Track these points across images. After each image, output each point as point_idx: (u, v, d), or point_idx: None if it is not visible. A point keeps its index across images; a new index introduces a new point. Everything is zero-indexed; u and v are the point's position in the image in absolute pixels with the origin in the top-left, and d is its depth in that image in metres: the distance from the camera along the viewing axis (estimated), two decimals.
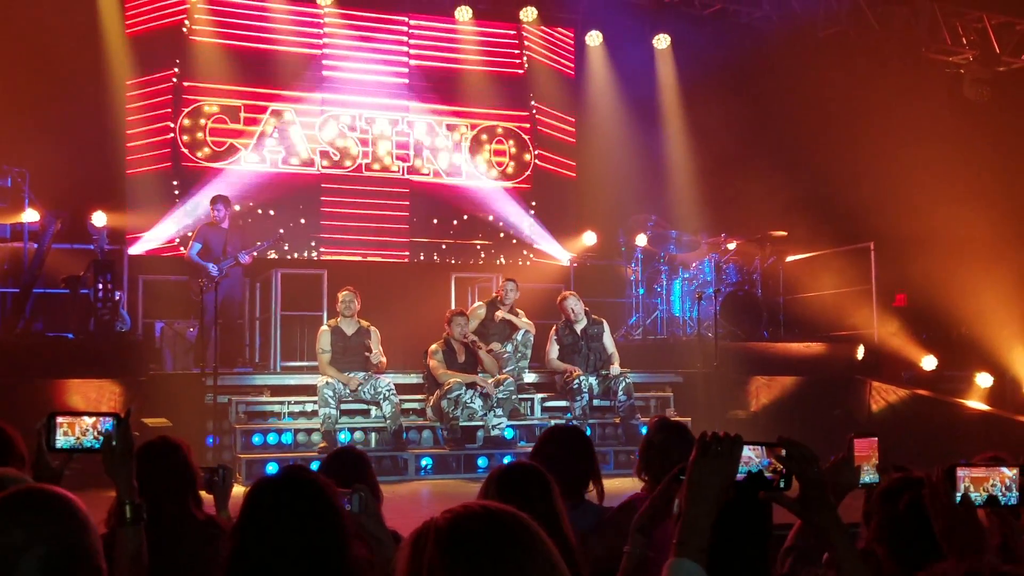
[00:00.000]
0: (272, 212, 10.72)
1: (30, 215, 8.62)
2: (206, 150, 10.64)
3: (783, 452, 1.86)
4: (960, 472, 1.96)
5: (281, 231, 10.02)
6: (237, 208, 9.88)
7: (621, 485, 7.36)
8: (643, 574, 2.40)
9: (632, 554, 2.44)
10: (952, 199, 9.98)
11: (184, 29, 10.55)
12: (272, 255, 10.05)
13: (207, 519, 2.87)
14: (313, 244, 10.87)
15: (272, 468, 7.07)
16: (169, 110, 10.52)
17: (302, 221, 10.87)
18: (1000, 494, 1.97)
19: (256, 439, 7.65)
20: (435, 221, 11.41)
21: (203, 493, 3.01)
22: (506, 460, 6.87)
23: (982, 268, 9.68)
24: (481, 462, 7.78)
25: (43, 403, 7.20)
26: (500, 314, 8.55)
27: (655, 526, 2.42)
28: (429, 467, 7.79)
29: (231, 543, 1.82)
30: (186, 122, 10.60)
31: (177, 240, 10.18)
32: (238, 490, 2.75)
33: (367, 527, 2.19)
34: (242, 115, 10.80)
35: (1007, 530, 2.09)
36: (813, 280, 10.35)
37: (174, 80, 10.53)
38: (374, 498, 2.21)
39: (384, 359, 7.98)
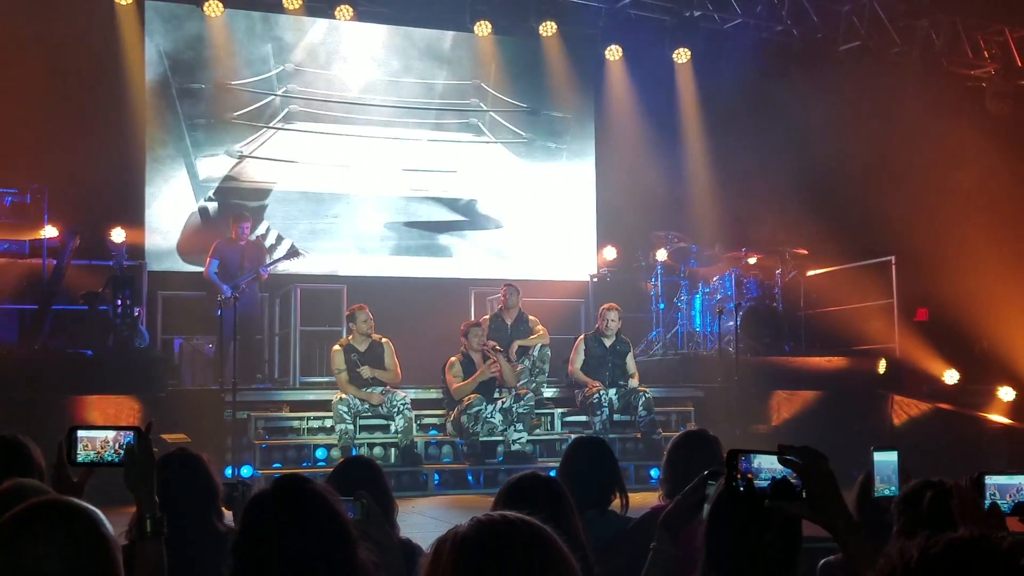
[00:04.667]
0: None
1: (49, 231, 8.68)
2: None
3: (787, 458, 1.83)
4: (988, 480, 1.95)
5: (293, 243, 9.94)
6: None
7: (643, 500, 7.31)
8: (669, 572, 2.36)
9: (658, 551, 2.42)
10: (974, 213, 9.91)
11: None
12: (287, 269, 10.05)
13: (228, 531, 2.84)
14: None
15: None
16: None
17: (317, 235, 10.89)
18: None
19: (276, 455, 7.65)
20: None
21: (224, 509, 2.98)
22: None
23: (1004, 282, 9.59)
24: (502, 477, 7.73)
25: (62, 419, 7.20)
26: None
27: (682, 526, 2.39)
28: (437, 482, 7.76)
29: (232, 559, 1.79)
30: None
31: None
32: None
33: (371, 533, 2.15)
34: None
35: None
36: (834, 294, 10.27)
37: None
38: (379, 506, 2.18)
39: (393, 372, 7.92)
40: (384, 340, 8.03)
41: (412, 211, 11.28)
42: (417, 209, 11.31)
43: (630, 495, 3.37)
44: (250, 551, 1.80)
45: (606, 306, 8.69)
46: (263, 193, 10.76)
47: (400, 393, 7.87)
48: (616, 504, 3.27)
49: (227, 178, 10.65)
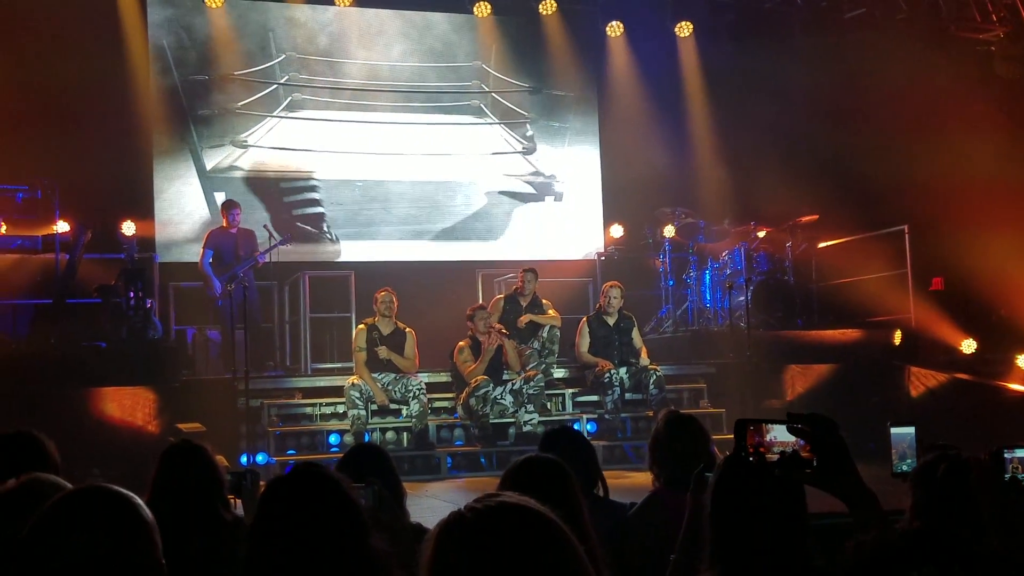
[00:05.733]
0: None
1: (61, 226, 8.74)
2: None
3: (797, 426, 1.80)
4: (1008, 454, 1.92)
5: (289, 235, 9.77)
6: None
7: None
8: None
9: (679, 561, 2.41)
10: (986, 179, 9.77)
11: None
12: (291, 256, 10.00)
13: (235, 520, 2.85)
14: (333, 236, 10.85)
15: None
16: None
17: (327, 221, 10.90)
18: None
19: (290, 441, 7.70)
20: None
21: (231, 498, 3.00)
22: None
23: (1020, 248, 9.47)
24: (514, 459, 7.73)
25: (79, 411, 7.29)
26: (523, 320, 8.48)
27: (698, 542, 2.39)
28: (450, 465, 7.79)
29: (247, 545, 1.81)
30: None
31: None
32: None
33: (382, 519, 2.16)
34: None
35: None
36: (846, 266, 10.18)
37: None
38: (389, 492, 2.19)
39: (411, 362, 7.95)
40: (408, 330, 8.06)
41: (417, 195, 11.26)
42: (423, 193, 11.29)
43: (644, 473, 3.37)
44: (265, 538, 1.82)
45: (608, 284, 8.67)
46: (270, 182, 10.77)
47: (416, 378, 7.89)
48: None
49: (233, 168, 10.67)
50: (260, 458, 7.45)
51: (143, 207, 10.03)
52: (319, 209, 10.91)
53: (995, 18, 11.54)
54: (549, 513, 1.41)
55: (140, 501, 1.73)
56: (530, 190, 11.58)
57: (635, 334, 8.57)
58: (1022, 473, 1.93)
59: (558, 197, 11.64)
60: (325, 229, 10.86)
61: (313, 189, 10.93)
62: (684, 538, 2.44)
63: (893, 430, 2.50)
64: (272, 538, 1.80)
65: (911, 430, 2.52)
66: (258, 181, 10.73)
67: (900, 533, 1.23)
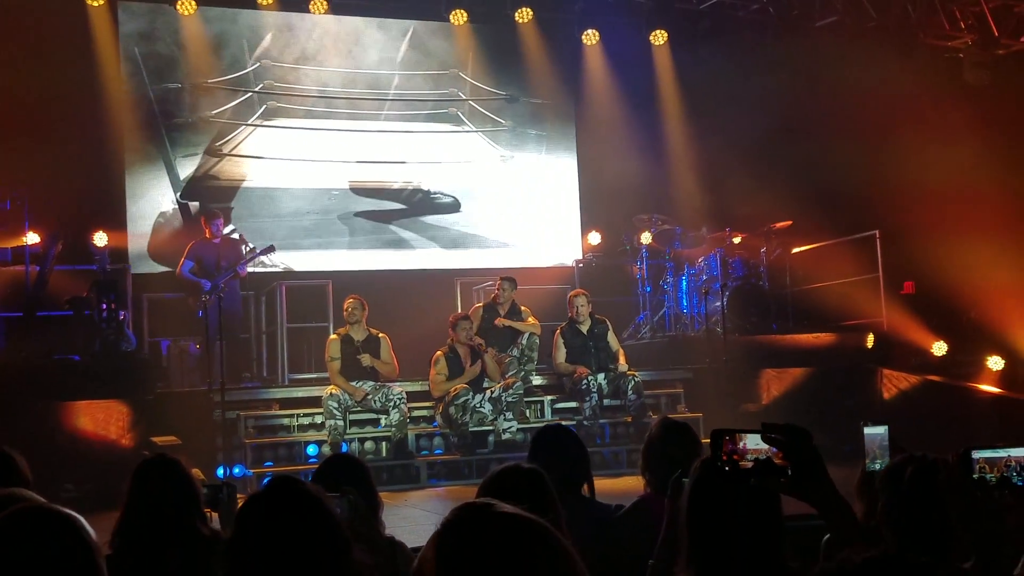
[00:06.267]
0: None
1: (31, 238, 8.62)
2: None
3: (771, 436, 1.83)
4: (976, 454, 1.95)
5: (272, 244, 9.71)
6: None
7: (636, 484, 7.32)
8: None
9: (656, 567, 2.42)
10: (956, 184, 9.91)
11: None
12: (273, 266, 9.98)
13: (212, 535, 2.83)
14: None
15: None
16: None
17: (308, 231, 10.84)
18: (1015, 475, 1.96)
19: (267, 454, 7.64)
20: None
21: (208, 511, 2.97)
22: None
23: (989, 252, 9.60)
24: (494, 467, 7.72)
25: (52, 426, 7.19)
26: (501, 321, 8.50)
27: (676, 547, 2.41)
28: (429, 474, 7.76)
29: (226, 561, 1.79)
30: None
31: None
32: None
33: (359, 530, 2.16)
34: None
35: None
36: (820, 271, 10.29)
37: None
38: (365, 502, 2.18)
39: (391, 366, 7.94)
40: (381, 335, 8.04)
41: (394, 203, 11.24)
42: (399, 201, 11.27)
43: (622, 479, 3.39)
44: (244, 555, 1.80)
45: (572, 293, 8.71)
46: (244, 191, 10.71)
47: (396, 388, 7.87)
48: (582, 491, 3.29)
49: (207, 177, 10.60)
50: (237, 470, 7.39)
51: (115, 217, 9.92)
52: (294, 218, 10.85)
53: (963, 26, 11.71)
54: (532, 518, 1.40)
55: (84, 523, 1.67)
56: (508, 198, 11.59)
57: (611, 337, 8.60)
58: (990, 473, 1.96)
59: (536, 205, 11.66)
60: (300, 237, 10.80)
61: (288, 198, 10.87)
62: (662, 543, 2.46)
63: (866, 430, 2.53)
64: (252, 554, 1.78)
65: (883, 429, 2.55)
66: (233, 190, 10.66)
67: (863, 560, 1.25)
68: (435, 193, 11.38)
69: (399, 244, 11.21)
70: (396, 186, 11.27)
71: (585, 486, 3.28)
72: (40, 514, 1.66)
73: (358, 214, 11.09)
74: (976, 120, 10.40)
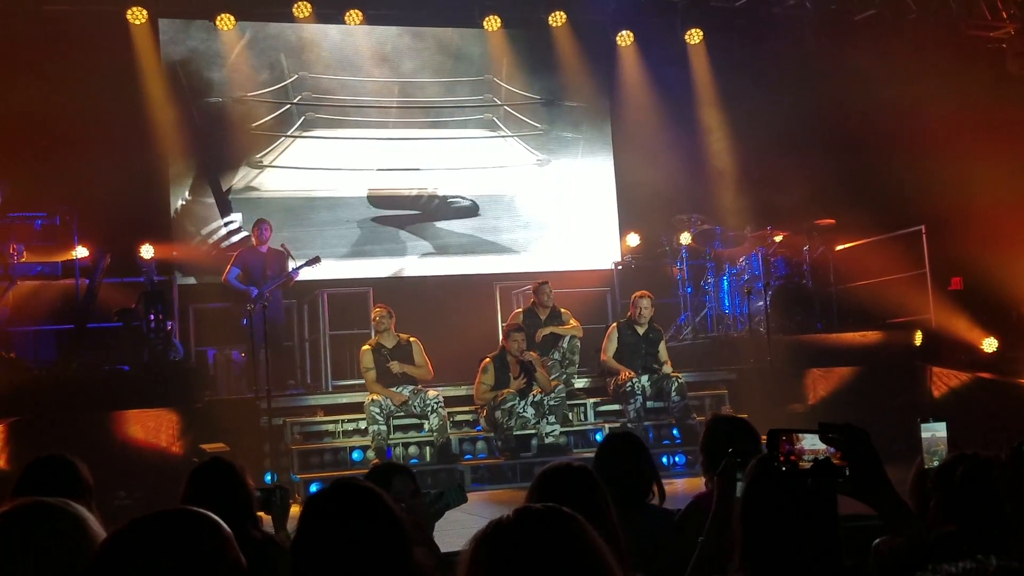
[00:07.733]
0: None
1: (80, 252, 8.81)
2: None
3: (829, 436, 1.81)
4: None
5: (318, 255, 9.85)
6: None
7: (682, 486, 7.27)
8: (717, 565, 2.36)
9: (706, 544, 2.42)
10: (1002, 176, 9.71)
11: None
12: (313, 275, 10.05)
13: (265, 538, 2.86)
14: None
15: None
16: None
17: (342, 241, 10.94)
18: None
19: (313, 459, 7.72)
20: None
21: (261, 514, 3.01)
22: None
23: None
24: (537, 470, 7.71)
25: (104, 435, 7.33)
26: (543, 331, 8.46)
27: (729, 514, 2.39)
28: (473, 478, 7.75)
29: (291, 560, 1.81)
30: None
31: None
32: (295, 510, 2.74)
33: (416, 537, 2.17)
34: None
35: None
36: (865, 268, 10.13)
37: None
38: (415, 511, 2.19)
39: (424, 369, 7.95)
40: (412, 339, 8.08)
41: (433, 210, 11.31)
42: (438, 208, 11.33)
43: (668, 482, 3.36)
44: (309, 552, 1.80)
45: (638, 294, 8.63)
46: (286, 201, 10.84)
47: (432, 392, 7.90)
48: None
49: (249, 188, 10.75)
50: (284, 477, 7.47)
51: (161, 230, 10.10)
52: (335, 227, 10.95)
53: (1005, 15, 11.48)
54: (581, 520, 1.42)
55: (90, 518, 1.65)
56: (545, 201, 11.60)
57: (662, 347, 8.55)
58: None
59: (573, 207, 11.64)
60: (340, 246, 10.90)
61: (328, 207, 10.98)
62: (712, 521, 2.45)
63: (923, 427, 2.47)
64: (317, 555, 1.79)
65: (942, 426, 2.49)
66: (274, 200, 10.80)
67: (936, 534, 1.24)
68: (470, 198, 11.42)
69: (438, 250, 11.26)
70: (432, 192, 11.33)
71: (655, 489, 3.24)
72: (41, 509, 1.65)
73: (396, 221, 11.17)
74: (1020, 109, 10.19)
